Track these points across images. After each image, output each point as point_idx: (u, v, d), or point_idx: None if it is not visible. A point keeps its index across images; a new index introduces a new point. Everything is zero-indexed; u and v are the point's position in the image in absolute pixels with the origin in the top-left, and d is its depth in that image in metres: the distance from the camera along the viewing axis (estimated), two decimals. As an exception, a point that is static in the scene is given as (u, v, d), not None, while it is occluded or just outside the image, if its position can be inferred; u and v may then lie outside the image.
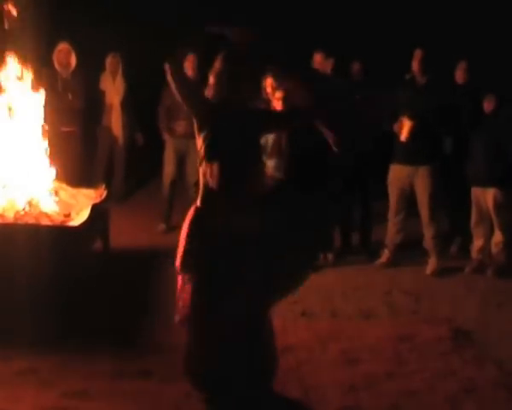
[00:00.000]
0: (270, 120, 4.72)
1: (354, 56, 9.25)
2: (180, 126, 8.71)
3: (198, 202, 4.39)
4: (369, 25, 11.48)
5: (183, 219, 4.47)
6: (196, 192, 4.53)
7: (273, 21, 11.13)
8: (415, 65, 7.56)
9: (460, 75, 8.11)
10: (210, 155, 4.29)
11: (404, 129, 7.34)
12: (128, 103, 9.86)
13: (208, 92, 4.39)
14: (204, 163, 4.32)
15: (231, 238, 4.29)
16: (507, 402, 4.76)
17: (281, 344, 5.05)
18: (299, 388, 4.87)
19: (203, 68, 8.76)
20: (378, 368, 5.14)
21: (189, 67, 8.72)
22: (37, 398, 4.65)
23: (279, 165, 7.26)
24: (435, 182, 7.49)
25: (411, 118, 7.31)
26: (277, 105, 7.45)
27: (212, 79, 4.37)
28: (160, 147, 9.07)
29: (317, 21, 11.35)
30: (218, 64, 4.37)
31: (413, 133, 7.30)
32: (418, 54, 7.53)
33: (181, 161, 8.90)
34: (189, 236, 4.34)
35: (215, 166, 4.29)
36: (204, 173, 4.35)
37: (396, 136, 7.50)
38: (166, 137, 8.91)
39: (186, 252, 4.34)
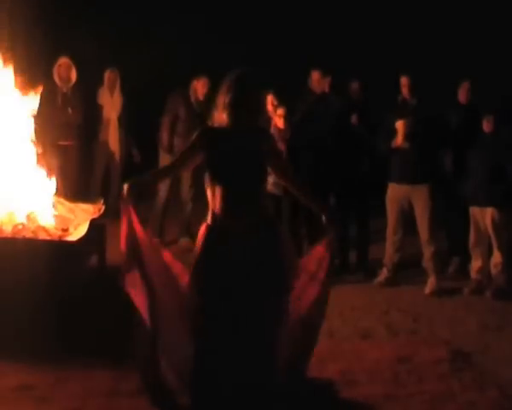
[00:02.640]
0: (277, 157, 4.62)
1: (352, 75, 9.27)
2: (179, 142, 8.68)
3: (208, 220, 4.36)
4: (368, 43, 11.51)
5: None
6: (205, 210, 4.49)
7: (271, 39, 11.17)
8: (404, 91, 7.63)
9: (463, 95, 8.12)
10: (214, 177, 4.28)
11: (399, 132, 7.35)
12: (126, 118, 9.84)
13: (218, 115, 4.37)
14: (209, 184, 4.31)
15: (243, 261, 4.26)
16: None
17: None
18: None
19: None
20: (376, 390, 5.09)
21: (200, 90, 8.69)
22: (33, 415, 4.62)
23: (278, 181, 7.27)
24: (433, 201, 7.48)
25: (402, 117, 7.33)
26: (279, 122, 7.49)
27: (221, 103, 4.34)
28: (155, 162, 8.99)
29: (314, 40, 11.38)
30: (227, 89, 4.34)
31: (409, 134, 7.28)
32: (405, 81, 7.61)
33: (175, 178, 8.82)
34: (202, 256, 4.32)
35: (219, 188, 4.27)
36: (210, 194, 4.34)
37: (393, 153, 7.51)
38: (166, 149, 8.81)
39: (197, 272, 4.32)
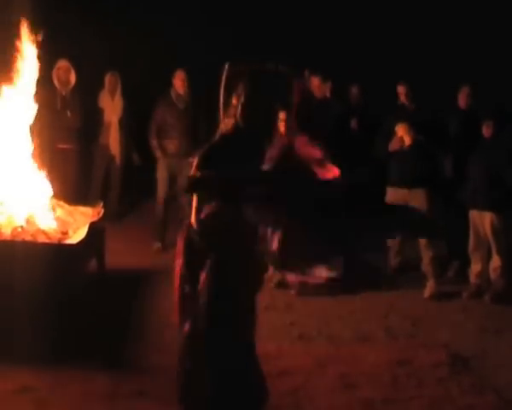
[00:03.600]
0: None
1: (352, 79, 9.29)
2: (172, 145, 8.72)
3: (191, 219, 4.34)
4: (367, 48, 11.53)
5: (177, 238, 4.43)
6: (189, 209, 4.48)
7: (271, 44, 11.18)
8: (402, 99, 7.65)
9: (463, 100, 8.14)
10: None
11: (403, 135, 7.34)
12: (126, 122, 9.85)
13: (230, 114, 4.30)
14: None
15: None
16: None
17: (277, 368, 5.06)
18: (295, 413, 4.83)
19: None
20: (375, 394, 5.09)
21: (180, 84, 8.75)
22: (32, 418, 4.61)
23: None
24: (432, 205, 7.48)
25: (402, 122, 7.33)
26: (280, 126, 7.49)
27: (235, 102, 4.29)
28: (154, 165, 9.00)
29: (314, 45, 11.40)
30: (241, 87, 4.30)
31: (413, 135, 7.27)
32: (401, 90, 7.63)
33: (173, 180, 8.82)
34: (184, 255, 4.31)
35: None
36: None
37: (391, 157, 7.51)
38: (158, 155, 8.83)
39: (182, 271, 4.31)
